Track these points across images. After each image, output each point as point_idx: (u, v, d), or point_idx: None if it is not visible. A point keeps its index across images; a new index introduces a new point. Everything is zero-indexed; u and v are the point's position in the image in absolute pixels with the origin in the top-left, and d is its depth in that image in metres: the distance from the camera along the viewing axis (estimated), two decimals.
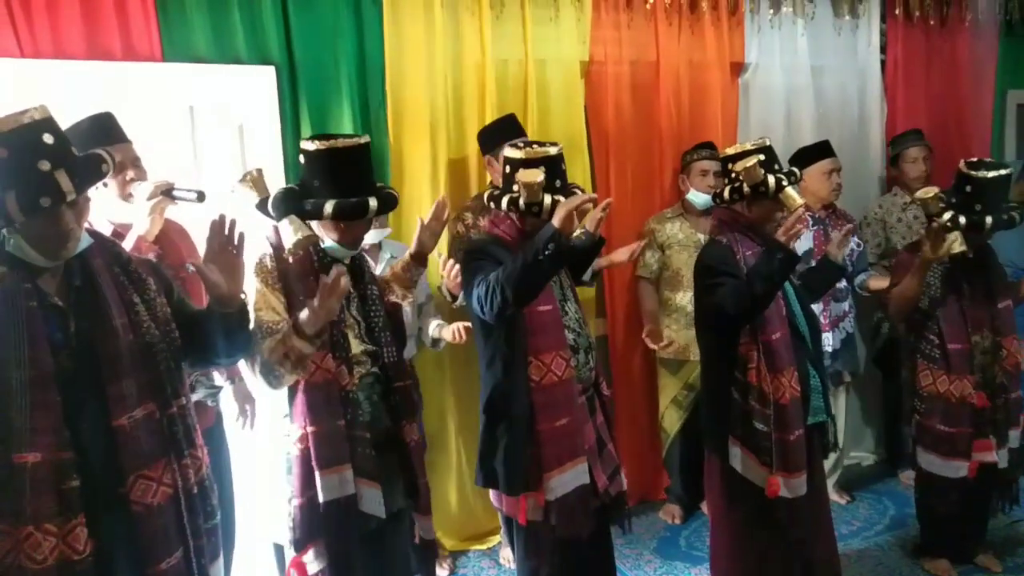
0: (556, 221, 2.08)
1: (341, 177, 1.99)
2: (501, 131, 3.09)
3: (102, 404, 1.55)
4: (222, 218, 1.71)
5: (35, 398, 1.46)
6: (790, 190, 2.43)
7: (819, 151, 3.59)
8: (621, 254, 3.33)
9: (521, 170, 2.22)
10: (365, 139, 2.03)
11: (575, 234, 2.14)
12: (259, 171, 2.14)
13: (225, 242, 1.69)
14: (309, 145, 1.99)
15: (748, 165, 2.44)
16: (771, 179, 2.44)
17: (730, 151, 2.58)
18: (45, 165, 1.44)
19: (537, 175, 2.19)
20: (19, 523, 1.43)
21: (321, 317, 1.87)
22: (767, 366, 2.45)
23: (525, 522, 2.32)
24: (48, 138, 1.47)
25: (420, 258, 2.30)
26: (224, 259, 1.69)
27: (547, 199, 2.20)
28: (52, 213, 1.47)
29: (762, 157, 2.46)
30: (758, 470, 2.48)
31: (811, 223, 3.63)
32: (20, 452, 1.44)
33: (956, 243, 2.67)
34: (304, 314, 1.88)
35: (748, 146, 2.54)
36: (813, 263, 3.44)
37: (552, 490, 2.26)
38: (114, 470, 1.55)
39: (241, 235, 1.73)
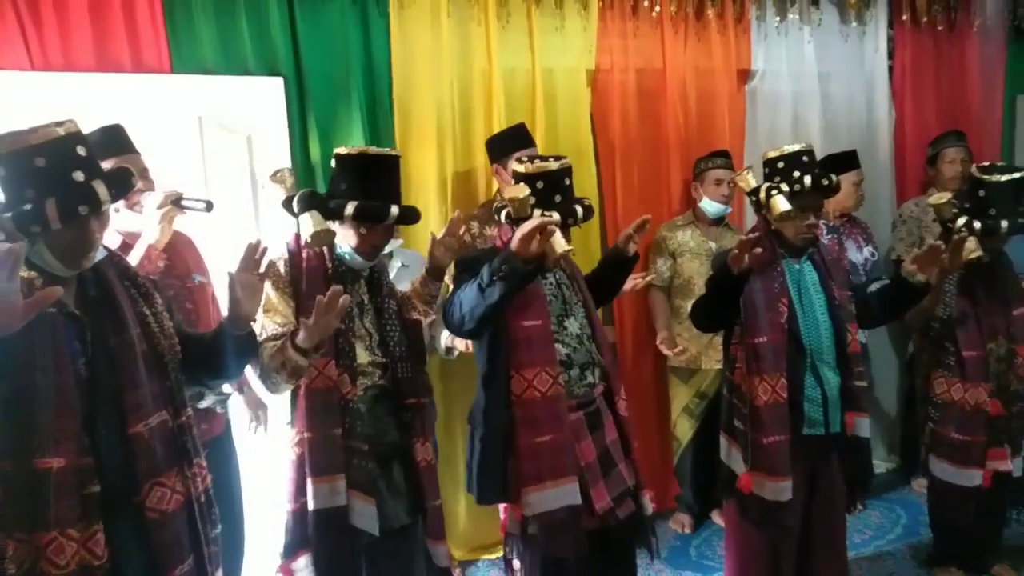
0: (513, 243, 2.05)
1: (368, 183, 2.03)
2: (510, 140, 3.09)
3: (119, 412, 1.57)
4: (257, 242, 1.80)
5: (59, 404, 1.48)
6: (777, 199, 2.43)
7: (849, 162, 3.59)
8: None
9: (509, 186, 2.23)
10: (397, 152, 2.09)
11: (557, 250, 2.07)
12: (290, 170, 2.22)
13: (253, 265, 1.77)
14: (342, 150, 2.06)
15: (737, 175, 2.50)
16: (762, 188, 2.48)
17: (771, 154, 2.56)
18: (80, 175, 1.50)
19: (522, 190, 2.17)
20: (37, 529, 1.45)
21: (315, 334, 1.88)
22: (748, 368, 2.51)
23: (504, 532, 2.34)
24: (81, 150, 1.53)
25: (436, 273, 2.30)
26: (247, 280, 1.75)
27: (535, 214, 2.16)
28: (83, 222, 1.52)
29: (782, 166, 2.47)
30: (740, 465, 2.55)
31: (826, 231, 3.63)
32: (44, 457, 1.45)
33: (974, 249, 2.65)
34: (300, 330, 1.89)
35: (787, 149, 2.52)
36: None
37: (530, 505, 2.20)
38: (130, 477, 1.58)
39: (270, 263, 1.82)
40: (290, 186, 2.17)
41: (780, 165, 2.50)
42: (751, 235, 2.40)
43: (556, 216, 2.16)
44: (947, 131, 4.00)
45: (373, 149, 2.07)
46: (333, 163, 2.09)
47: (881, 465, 4.23)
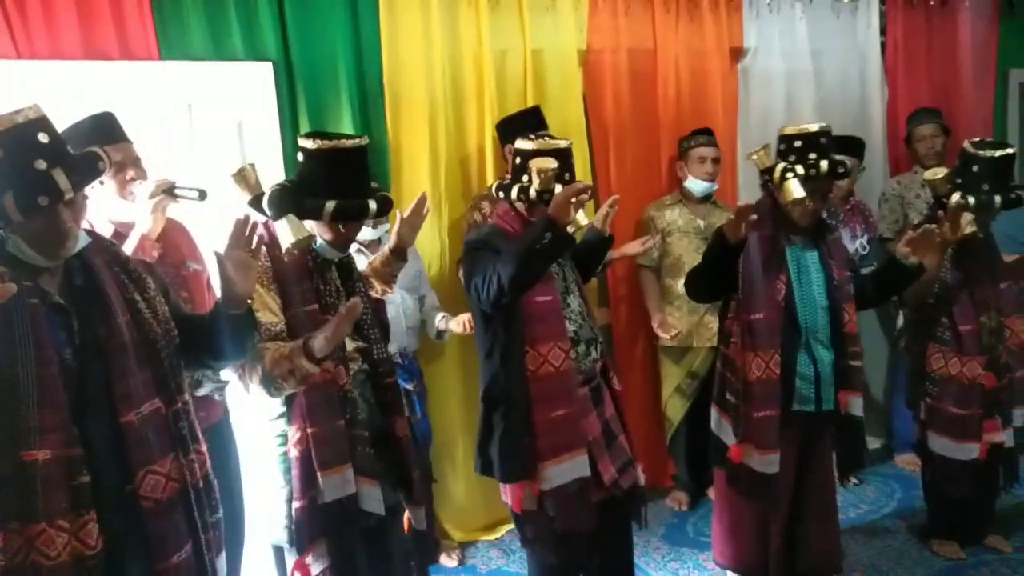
0: (552, 209, 2.10)
1: (341, 178, 1.97)
2: (524, 123, 3.06)
3: (109, 401, 1.56)
4: (246, 218, 1.73)
5: (43, 396, 1.46)
6: (791, 183, 2.41)
7: (856, 150, 3.58)
8: (632, 247, 3.31)
9: (535, 158, 2.25)
10: (365, 140, 2.01)
11: (580, 222, 2.15)
12: (252, 167, 2.10)
13: (243, 242, 1.71)
14: (308, 143, 1.95)
15: (754, 152, 2.50)
16: (778, 168, 2.46)
17: (788, 131, 2.54)
18: (41, 164, 1.45)
19: (550, 163, 2.21)
20: (29, 521, 1.44)
21: (333, 344, 1.86)
22: (743, 343, 2.55)
23: (520, 511, 2.35)
24: (43, 137, 1.47)
25: (399, 252, 2.30)
26: (239, 257, 1.70)
27: (558, 189, 2.20)
28: (50, 212, 1.47)
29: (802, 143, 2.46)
30: (730, 437, 2.61)
31: (825, 215, 3.62)
32: (29, 450, 1.44)
33: (968, 223, 2.66)
34: (318, 340, 1.84)
35: (806, 128, 2.50)
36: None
37: (548, 480, 2.26)
38: (122, 466, 1.56)
39: (260, 239, 1.76)
40: (254, 183, 2.07)
41: (797, 144, 2.47)
42: (747, 204, 2.42)
43: (589, 182, 2.22)
44: (919, 109, 4.00)
45: (344, 141, 1.97)
46: (299, 155, 2.00)
47: (875, 441, 4.26)
